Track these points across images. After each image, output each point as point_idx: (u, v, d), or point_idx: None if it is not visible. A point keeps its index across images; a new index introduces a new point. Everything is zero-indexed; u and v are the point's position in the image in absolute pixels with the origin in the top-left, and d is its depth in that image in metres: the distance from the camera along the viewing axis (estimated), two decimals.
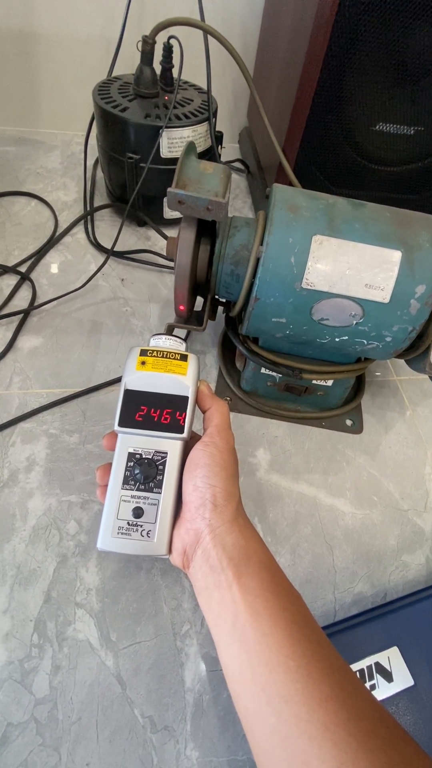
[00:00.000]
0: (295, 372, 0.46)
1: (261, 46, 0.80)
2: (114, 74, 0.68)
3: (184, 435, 0.32)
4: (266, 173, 0.75)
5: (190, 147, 0.37)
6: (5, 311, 0.57)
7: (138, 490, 0.31)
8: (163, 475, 0.31)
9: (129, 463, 0.32)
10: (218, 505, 0.29)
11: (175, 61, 0.61)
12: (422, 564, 0.44)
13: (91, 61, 0.84)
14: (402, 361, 0.54)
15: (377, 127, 0.59)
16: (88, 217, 0.72)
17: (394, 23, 0.50)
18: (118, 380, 0.52)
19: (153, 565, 0.40)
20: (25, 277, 0.61)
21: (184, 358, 0.34)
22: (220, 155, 0.71)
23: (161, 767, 0.32)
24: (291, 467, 0.49)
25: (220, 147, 0.70)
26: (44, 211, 0.73)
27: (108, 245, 0.67)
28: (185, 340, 0.37)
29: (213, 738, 0.33)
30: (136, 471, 0.31)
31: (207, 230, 0.40)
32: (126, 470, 0.32)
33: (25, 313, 0.57)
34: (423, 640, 0.37)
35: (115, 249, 0.63)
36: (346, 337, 0.40)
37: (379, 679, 0.35)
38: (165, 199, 0.36)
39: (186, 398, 0.33)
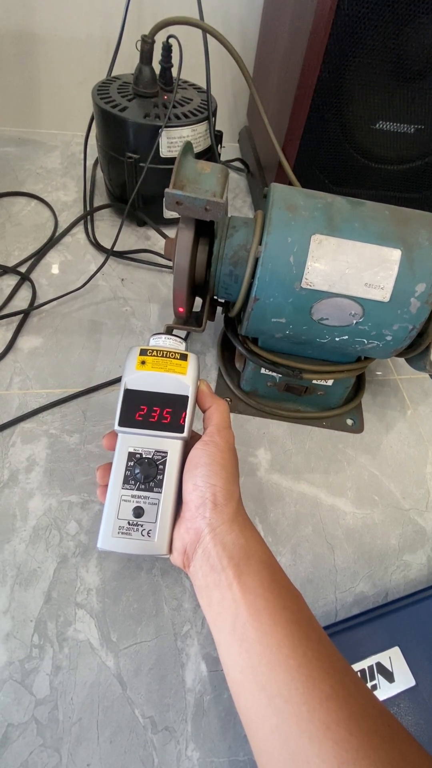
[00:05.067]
0: (295, 372, 0.46)
1: (260, 45, 0.80)
2: (113, 74, 0.68)
3: (184, 434, 0.32)
4: (266, 172, 0.75)
5: (187, 147, 0.37)
6: (5, 311, 0.57)
7: (138, 489, 0.31)
8: (163, 474, 0.31)
9: (129, 463, 0.32)
10: (218, 505, 0.29)
11: (174, 60, 0.61)
12: (423, 564, 0.44)
13: (90, 61, 0.84)
14: (402, 360, 0.54)
15: (377, 125, 0.59)
16: (88, 217, 0.72)
17: (393, 22, 0.49)
18: (118, 380, 0.52)
19: (153, 565, 0.40)
20: (25, 278, 0.61)
21: (183, 357, 0.34)
22: (219, 154, 0.71)
23: None
24: (292, 467, 0.49)
25: (219, 146, 0.70)
26: (44, 212, 0.73)
27: (108, 245, 0.67)
28: (185, 339, 0.37)
29: (214, 738, 0.33)
30: (137, 470, 0.31)
31: (205, 230, 0.40)
32: (126, 470, 0.32)
33: (25, 314, 0.57)
34: (424, 640, 0.37)
35: (114, 249, 0.63)
36: (346, 337, 0.40)
37: (380, 679, 0.35)
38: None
39: (186, 397, 0.33)
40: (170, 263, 0.61)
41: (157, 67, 0.62)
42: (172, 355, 0.34)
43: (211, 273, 0.41)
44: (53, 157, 0.85)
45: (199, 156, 0.67)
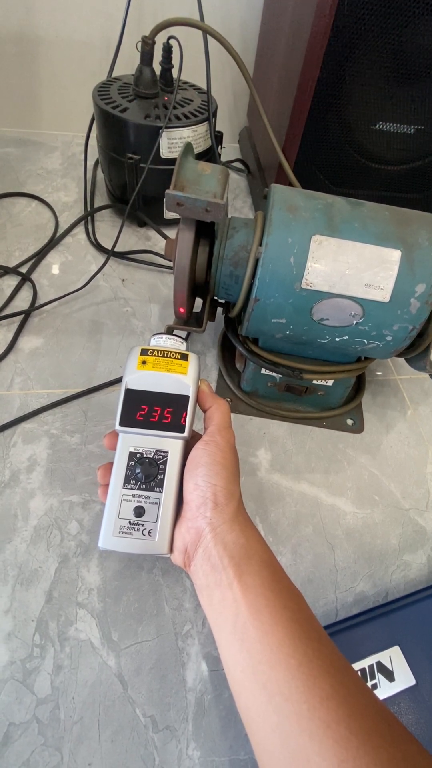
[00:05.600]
0: (296, 372, 0.46)
1: (260, 46, 0.80)
2: (114, 75, 0.68)
3: (185, 434, 0.32)
4: (266, 173, 0.75)
5: (188, 148, 0.37)
6: (6, 312, 0.57)
7: (139, 489, 0.31)
8: (164, 474, 0.31)
9: (130, 463, 0.32)
10: (219, 504, 0.29)
11: (175, 61, 0.61)
12: (424, 563, 0.44)
13: (90, 61, 0.84)
14: (402, 360, 0.54)
15: (377, 126, 0.59)
16: (89, 217, 0.72)
17: (393, 22, 0.49)
18: (119, 380, 0.52)
19: (154, 564, 0.40)
20: (25, 278, 0.61)
21: (184, 357, 0.34)
22: (220, 155, 0.71)
23: (163, 767, 0.32)
24: (292, 467, 0.49)
25: (220, 147, 0.70)
26: (45, 212, 0.73)
27: (108, 246, 0.67)
28: (186, 340, 0.38)
29: (215, 738, 0.33)
30: (137, 470, 0.31)
31: (206, 231, 0.40)
32: (127, 469, 0.32)
33: (26, 314, 0.57)
34: (424, 640, 0.37)
35: (115, 249, 0.63)
36: (347, 337, 0.40)
37: (380, 678, 0.35)
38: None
39: (187, 397, 0.33)
40: (171, 264, 0.62)
41: (157, 68, 0.62)
42: (172, 355, 0.34)
43: (211, 274, 0.41)
44: (54, 157, 0.86)
45: (200, 157, 0.67)
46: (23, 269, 0.63)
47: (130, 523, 0.31)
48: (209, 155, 0.69)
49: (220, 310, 0.50)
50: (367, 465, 0.50)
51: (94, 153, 0.80)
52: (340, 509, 0.46)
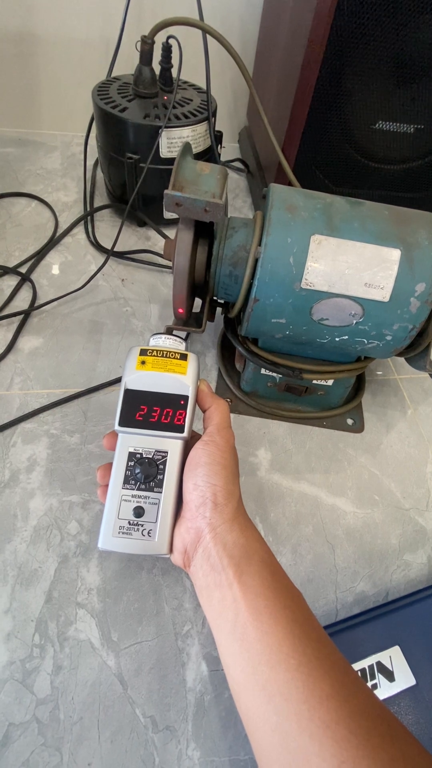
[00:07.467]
0: (296, 372, 0.46)
1: (260, 45, 0.80)
2: (113, 75, 0.68)
3: (185, 434, 0.32)
4: (266, 173, 0.75)
5: (186, 148, 0.37)
6: (6, 312, 0.57)
7: (139, 489, 0.31)
8: (163, 474, 0.31)
9: (129, 463, 0.32)
10: (219, 504, 0.29)
11: (174, 60, 0.61)
12: (424, 563, 0.44)
13: (90, 61, 0.84)
14: (403, 360, 0.54)
15: (377, 125, 0.59)
16: (88, 217, 0.72)
17: (392, 21, 0.49)
18: (118, 380, 0.52)
19: (154, 564, 0.40)
20: (25, 278, 0.61)
21: (183, 357, 0.34)
22: (219, 155, 0.71)
23: (163, 767, 0.32)
24: (292, 467, 0.49)
25: (219, 146, 0.70)
26: (44, 212, 0.73)
27: (108, 246, 0.67)
28: (185, 340, 0.38)
29: (215, 738, 0.33)
30: (137, 470, 0.31)
31: (205, 231, 0.40)
32: (126, 470, 0.32)
33: (26, 314, 0.57)
34: (425, 640, 0.37)
35: (115, 249, 0.63)
36: (347, 337, 0.40)
37: (380, 678, 0.35)
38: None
39: (186, 397, 0.33)
40: (170, 264, 0.61)
41: (156, 67, 0.62)
42: (172, 355, 0.34)
43: (210, 274, 0.41)
44: (53, 157, 0.86)
45: (200, 156, 0.67)
46: (23, 269, 0.63)
47: (129, 523, 0.31)
48: (209, 155, 0.69)
49: (219, 310, 0.50)
50: (368, 465, 0.50)
51: (93, 153, 0.80)
52: (340, 509, 0.46)
